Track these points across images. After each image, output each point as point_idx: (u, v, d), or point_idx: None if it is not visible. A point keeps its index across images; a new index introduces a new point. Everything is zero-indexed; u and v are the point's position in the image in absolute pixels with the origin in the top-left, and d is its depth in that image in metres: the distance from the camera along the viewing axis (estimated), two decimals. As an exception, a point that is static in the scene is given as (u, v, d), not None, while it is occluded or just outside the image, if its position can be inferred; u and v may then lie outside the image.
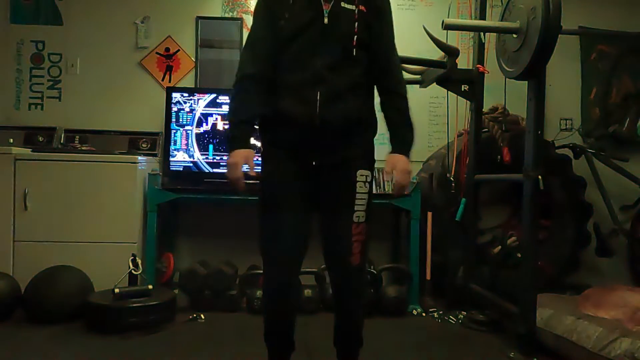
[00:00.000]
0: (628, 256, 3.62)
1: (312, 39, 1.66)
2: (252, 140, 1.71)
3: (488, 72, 2.89)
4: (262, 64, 1.68)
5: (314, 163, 1.71)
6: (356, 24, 1.67)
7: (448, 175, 3.15)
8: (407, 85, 3.28)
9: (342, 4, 1.66)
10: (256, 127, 1.74)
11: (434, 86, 2.92)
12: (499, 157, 3.06)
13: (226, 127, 1.76)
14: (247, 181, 1.67)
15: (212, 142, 3.30)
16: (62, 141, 3.39)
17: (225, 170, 1.69)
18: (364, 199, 1.70)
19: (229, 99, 1.78)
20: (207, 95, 3.32)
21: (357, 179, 1.70)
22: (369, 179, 1.73)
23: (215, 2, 3.61)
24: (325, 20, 1.65)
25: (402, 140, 1.76)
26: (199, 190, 3.16)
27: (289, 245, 1.69)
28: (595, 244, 3.45)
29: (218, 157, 3.30)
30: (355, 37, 1.66)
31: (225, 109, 3.31)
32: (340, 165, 1.70)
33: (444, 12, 3.23)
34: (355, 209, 1.69)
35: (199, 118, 3.30)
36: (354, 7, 1.67)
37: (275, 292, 1.73)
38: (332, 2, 1.66)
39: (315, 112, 1.64)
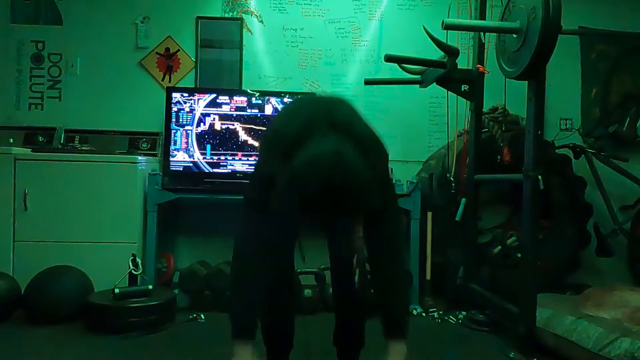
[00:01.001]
0: (628, 256, 3.62)
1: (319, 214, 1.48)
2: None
3: (488, 72, 2.89)
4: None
5: None
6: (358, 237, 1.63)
7: (448, 175, 3.15)
8: (407, 86, 3.32)
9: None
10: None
11: (434, 86, 2.92)
12: (499, 157, 3.06)
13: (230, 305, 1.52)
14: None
15: (212, 142, 3.30)
16: (62, 141, 3.39)
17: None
18: None
19: (235, 255, 1.54)
20: (207, 95, 3.32)
21: None
22: None
23: (215, 2, 3.61)
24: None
25: (398, 327, 1.50)
26: (199, 190, 3.16)
27: (284, 249, 1.71)
28: (595, 244, 3.45)
29: (217, 157, 3.30)
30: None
31: (225, 109, 3.31)
32: None
33: (444, 12, 3.23)
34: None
35: (199, 118, 3.30)
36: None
37: (273, 291, 1.74)
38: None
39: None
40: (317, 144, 1.26)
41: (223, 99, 3.32)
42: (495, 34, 2.66)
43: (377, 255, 1.54)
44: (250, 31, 3.60)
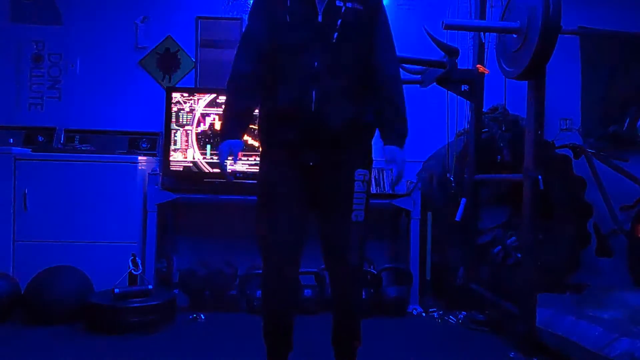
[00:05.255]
0: (628, 256, 3.61)
1: (308, 38, 1.68)
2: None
3: (488, 72, 2.89)
4: (256, 63, 1.71)
5: (311, 163, 1.72)
6: (349, 20, 1.69)
7: (448, 175, 3.15)
8: (407, 85, 3.31)
9: (336, 2, 1.68)
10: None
11: (434, 86, 2.92)
12: (499, 157, 3.06)
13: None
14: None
15: (212, 142, 3.30)
16: (62, 141, 3.39)
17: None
18: (362, 198, 1.72)
19: (225, 96, 1.85)
20: (207, 95, 3.32)
21: (355, 179, 1.72)
22: (367, 178, 1.75)
23: (215, 2, 3.61)
24: (320, 18, 1.67)
25: (394, 131, 1.76)
26: (199, 190, 3.16)
27: (286, 239, 1.71)
28: (595, 244, 3.45)
29: (217, 157, 3.29)
30: (348, 33, 1.69)
31: (225, 109, 3.31)
32: (338, 165, 1.71)
33: (444, 12, 3.23)
34: (354, 207, 1.70)
35: (199, 118, 3.30)
36: (343, 4, 1.68)
37: (274, 284, 1.75)
38: (325, 1, 1.68)
39: (310, 111, 1.67)
40: None
41: (223, 99, 3.30)
42: (495, 33, 2.66)
43: (375, 79, 1.76)
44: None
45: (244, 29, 1.83)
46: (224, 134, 1.78)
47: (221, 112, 1.93)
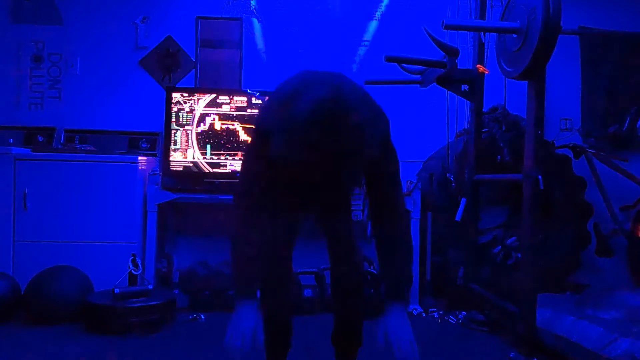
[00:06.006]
0: (628, 256, 3.62)
1: (313, 186, 1.46)
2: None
3: (488, 72, 2.89)
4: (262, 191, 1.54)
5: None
6: (355, 164, 1.39)
7: (448, 175, 3.14)
8: (407, 86, 3.33)
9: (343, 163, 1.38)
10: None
11: (434, 86, 2.92)
12: (499, 157, 3.06)
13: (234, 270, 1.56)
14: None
15: (212, 142, 3.30)
16: (62, 141, 3.39)
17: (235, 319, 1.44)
18: (359, 199, 1.75)
19: (236, 234, 1.53)
20: (207, 95, 3.32)
21: None
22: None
23: (215, 2, 3.61)
24: (328, 176, 1.39)
25: (395, 288, 1.53)
26: (199, 191, 3.16)
27: (282, 245, 1.72)
28: (595, 244, 3.45)
29: (217, 157, 3.30)
30: (354, 176, 1.50)
31: (225, 109, 3.31)
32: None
33: (444, 12, 3.22)
34: (353, 207, 1.73)
35: (199, 118, 3.30)
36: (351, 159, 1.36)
37: (272, 285, 1.77)
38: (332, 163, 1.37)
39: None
40: (316, 89, 1.29)
41: (223, 99, 3.31)
42: (495, 33, 2.66)
43: (378, 212, 1.57)
44: (250, 31, 3.61)
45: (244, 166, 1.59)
46: (247, 290, 1.48)
47: (234, 259, 1.53)
